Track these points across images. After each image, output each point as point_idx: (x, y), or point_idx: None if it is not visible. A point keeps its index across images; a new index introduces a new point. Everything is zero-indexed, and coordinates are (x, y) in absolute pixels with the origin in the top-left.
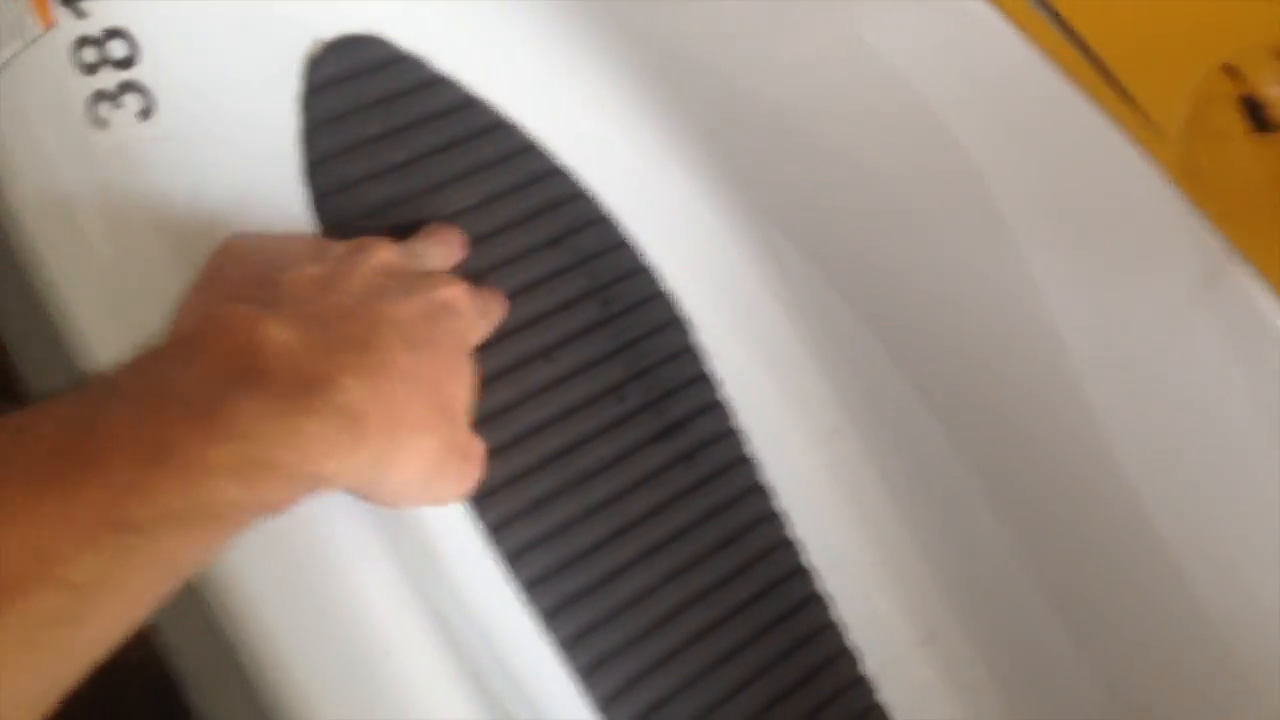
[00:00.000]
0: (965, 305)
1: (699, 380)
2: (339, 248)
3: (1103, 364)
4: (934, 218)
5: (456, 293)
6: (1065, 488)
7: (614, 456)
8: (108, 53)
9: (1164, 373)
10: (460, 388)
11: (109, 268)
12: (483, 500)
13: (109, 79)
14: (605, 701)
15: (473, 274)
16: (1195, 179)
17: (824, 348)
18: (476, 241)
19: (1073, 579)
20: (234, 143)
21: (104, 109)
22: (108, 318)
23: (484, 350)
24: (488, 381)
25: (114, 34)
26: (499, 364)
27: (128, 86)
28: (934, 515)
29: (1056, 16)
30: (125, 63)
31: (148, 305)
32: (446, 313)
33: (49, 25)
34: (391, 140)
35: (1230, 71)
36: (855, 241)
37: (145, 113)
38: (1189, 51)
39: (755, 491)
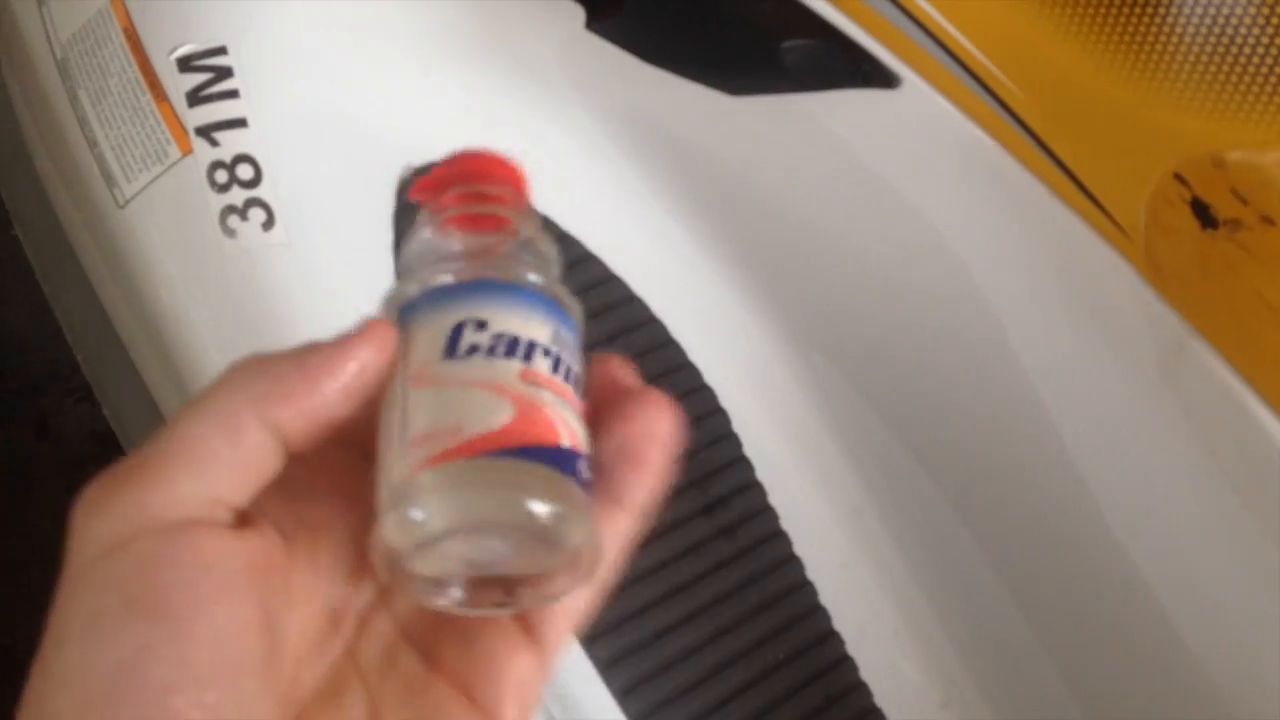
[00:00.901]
0: (965, 393)
1: (738, 463)
2: None
3: (1088, 436)
4: (934, 316)
5: None
6: (1063, 553)
7: (662, 529)
8: (237, 174)
9: (1140, 437)
10: None
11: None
12: None
13: (237, 196)
14: None
15: None
16: (1157, 270)
17: (846, 435)
18: None
19: (1072, 637)
20: (338, 250)
21: (233, 221)
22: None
23: None
24: None
25: (242, 159)
26: None
27: (253, 202)
28: (950, 585)
29: (1033, 135)
30: (251, 183)
31: None
32: None
33: (187, 152)
34: None
35: (1180, 179)
36: (869, 342)
37: (267, 224)
38: (1144, 162)
39: (788, 562)
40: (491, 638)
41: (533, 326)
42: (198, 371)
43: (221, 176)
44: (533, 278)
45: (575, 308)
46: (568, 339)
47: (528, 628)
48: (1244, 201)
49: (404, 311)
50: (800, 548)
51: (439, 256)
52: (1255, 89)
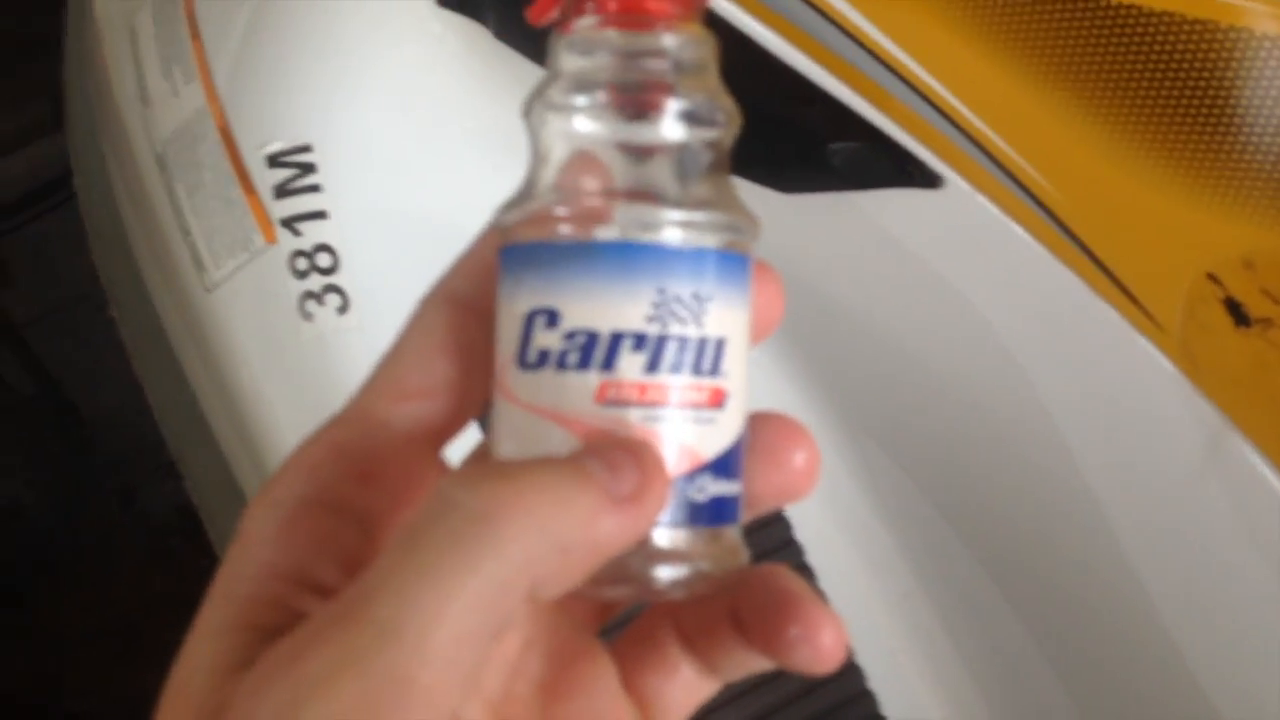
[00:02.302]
0: (1014, 481)
1: (788, 545)
2: None
3: (1135, 525)
4: (983, 407)
5: None
6: (1114, 643)
7: None
8: (316, 262)
9: (1186, 526)
10: None
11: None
12: None
13: (316, 282)
14: None
15: None
16: (1194, 365)
17: (895, 520)
18: None
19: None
20: None
21: (310, 305)
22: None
23: None
24: None
25: (321, 248)
26: None
27: (330, 289)
28: (999, 672)
29: (1071, 234)
30: (329, 270)
31: None
32: None
33: (272, 241)
34: None
35: (1213, 278)
36: (921, 431)
37: (342, 309)
38: (1179, 262)
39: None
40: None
41: (620, 305)
42: (274, 448)
43: (302, 264)
44: (629, 218)
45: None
46: (685, 289)
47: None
48: (1275, 301)
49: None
50: (849, 630)
51: (538, 173)
52: None
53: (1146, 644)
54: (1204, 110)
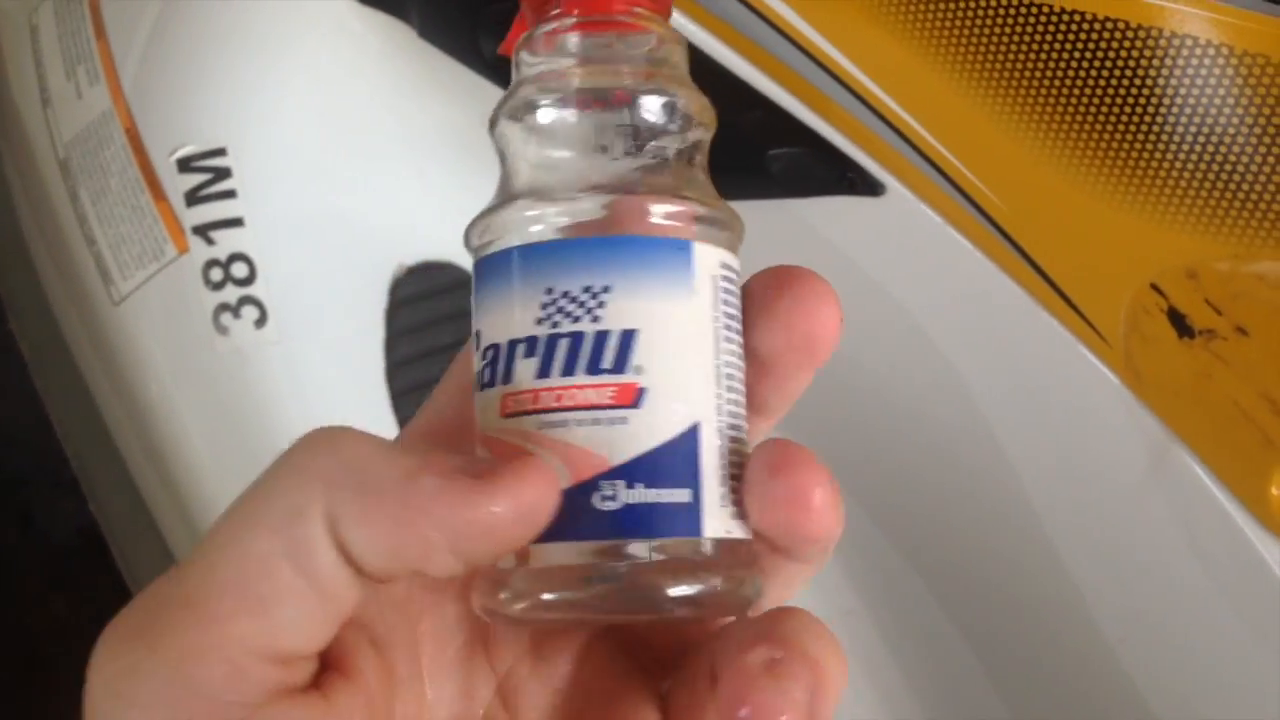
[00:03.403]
0: (956, 494)
1: None
2: None
3: (1078, 540)
4: (929, 422)
5: None
6: (1058, 657)
7: None
8: (231, 272)
9: (1130, 541)
10: None
11: (216, 462)
12: None
13: (231, 294)
14: None
15: None
16: (1137, 377)
17: (842, 547)
18: None
19: None
20: (329, 348)
21: (226, 318)
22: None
23: None
24: None
25: (237, 257)
26: None
27: (246, 300)
28: (942, 688)
29: (1014, 243)
30: (245, 281)
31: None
32: None
33: (183, 250)
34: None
35: (1156, 289)
36: (858, 441)
37: (260, 322)
38: (1122, 272)
39: None
40: None
41: (513, 312)
42: (185, 468)
43: (216, 275)
44: (505, 223)
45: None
46: (575, 283)
47: None
48: (1218, 312)
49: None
50: None
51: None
52: (1230, 203)
53: (1090, 657)
54: (1140, 116)
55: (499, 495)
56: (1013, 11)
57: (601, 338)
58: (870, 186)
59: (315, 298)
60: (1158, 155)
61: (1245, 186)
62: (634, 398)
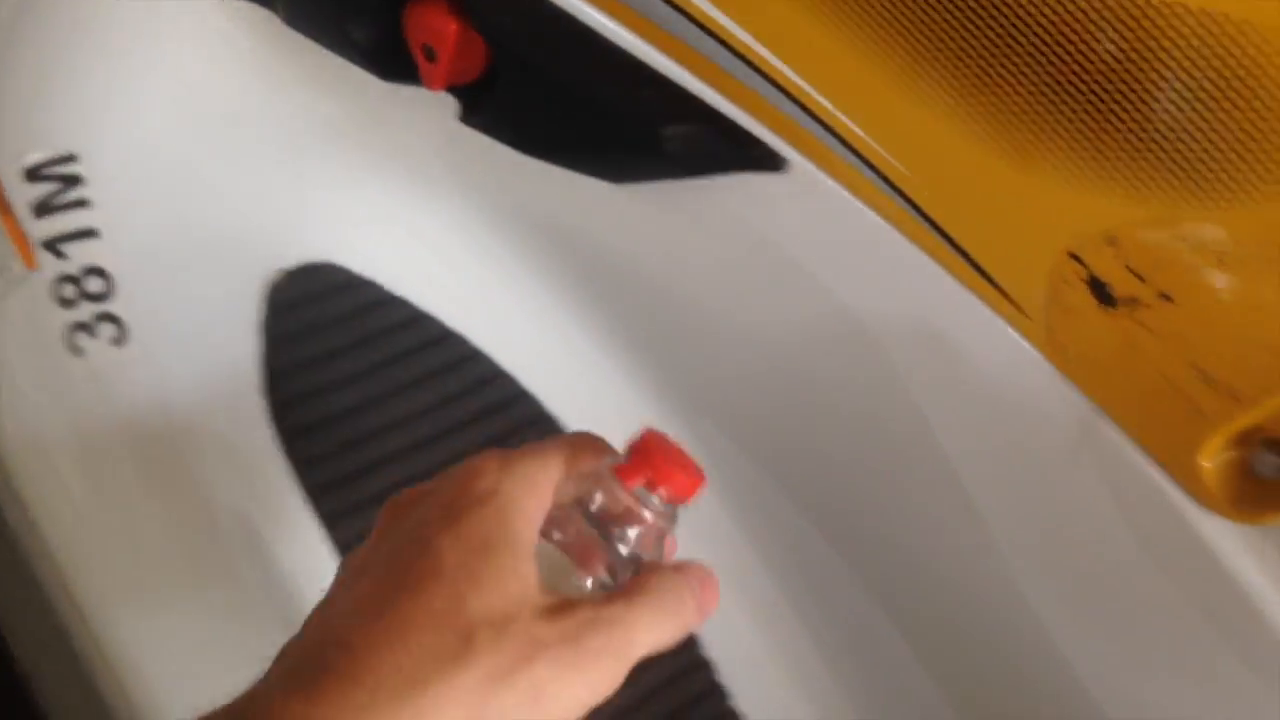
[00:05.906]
0: (879, 474)
1: None
2: None
3: (1006, 516)
4: (849, 400)
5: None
6: (988, 636)
7: None
8: (85, 288)
9: (1057, 516)
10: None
11: (83, 499)
12: None
13: (86, 311)
14: None
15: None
16: (1060, 351)
17: (756, 528)
18: (433, 440)
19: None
20: (199, 362)
21: (81, 338)
22: (86, 554)
23: None
24: None
25: (91, 271)
26: None
27: (103, 317)
28: (867, 677)
29: (924, 215)
30: (101, 296)
31: (121, 539)
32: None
33: (32, 266)
34: (348, 354)
35: (1075, 257)
36: (778, 427)
37: (118, 340)
38: (1039, 242)
39: (699, 667)
40: None
41: None
42: (48, 504)
43: (69, 291)
44: None
45: None
46: None
47: None
48: (1141, 279)
49: None
50: (709, 651)
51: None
52: (1151, 164)
53: (1020, 632)
54: (1050, 71)
55: None
56: None
57: None
58: (771, 161)
59: (182, 310)
60: (1069, 113)
61: (1168, 146)
62: None
